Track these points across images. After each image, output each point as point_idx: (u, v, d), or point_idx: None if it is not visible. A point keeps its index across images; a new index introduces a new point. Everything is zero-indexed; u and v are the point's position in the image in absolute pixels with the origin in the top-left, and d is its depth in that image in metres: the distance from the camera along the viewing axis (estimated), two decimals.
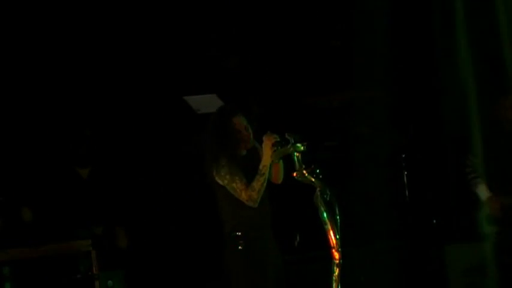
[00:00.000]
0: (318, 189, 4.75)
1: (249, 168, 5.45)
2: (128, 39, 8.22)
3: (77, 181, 7.53)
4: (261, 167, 5.39)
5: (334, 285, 4.73)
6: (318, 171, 4.86)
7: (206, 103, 8.33)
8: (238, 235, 5.48)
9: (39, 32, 7.96)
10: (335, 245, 4.64)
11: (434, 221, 7.97)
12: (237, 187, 5.41)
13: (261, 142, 5.43)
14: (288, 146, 5.14)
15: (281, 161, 5.48)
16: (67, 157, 7.53)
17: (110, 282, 7.09)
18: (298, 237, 8.12)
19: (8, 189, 7.41)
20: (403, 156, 8.13)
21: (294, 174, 5.02)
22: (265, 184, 5.39)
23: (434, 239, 7.86)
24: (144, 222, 8.16)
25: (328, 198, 4.69)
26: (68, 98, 8.22)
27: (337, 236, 4.65)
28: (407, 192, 8.11)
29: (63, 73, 8.18)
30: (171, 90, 8.42)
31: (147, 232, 8.19)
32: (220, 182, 5.47)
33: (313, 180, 4.83)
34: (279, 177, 5.62)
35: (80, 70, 8.22)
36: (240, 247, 5.47)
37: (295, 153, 5.06)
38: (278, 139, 5.29)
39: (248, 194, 5.38)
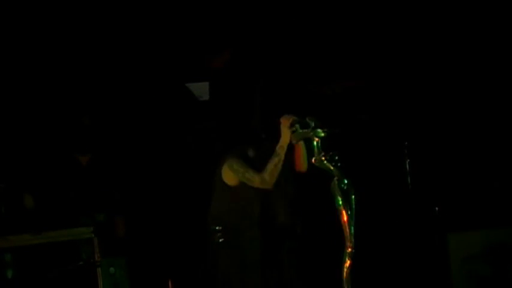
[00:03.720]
0: (335, 178, 4.73)
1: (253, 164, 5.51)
2: (127, 28, 8.19)
3: (76, 168, 7.52)
4: (277, 147, 5.39)
5: (344, 274, 4.73)
6: (336, 158, 4.83)
7: (207, 90, 8.33)
8: (217, 228, 5.53)
9: (39, 22, 7.93)
10: (348, 235, 4.62)
11: (437, 209, 7.96)
12: (249, 175, 5.45)
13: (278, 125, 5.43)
14: (308, 130, 5.07)
15: (303, 146, 5.44)
16: (67, 144, 7.53)
17: (111, 269, 7.09)
18: (300, 225, 8.11)
19: (9, 176, 7.39)
20: (406, 143, 8.12)
21: (313, 160, 4.98)
22: (279, 166, 5.38)
23: (436, 226, 7.86)
24: (145, 209, 8.15)
25: (345, 188, 4.67)
26: (68, 85, 8.20)
27: (352, 227, 4.63)
28: (409, 180, 8.10)
29: (64, 60, 8.15)
30: (172, 77, 8.40)
31: (148, 219, 8.19)
32: (232, 175, 5.54)
33: (331, 168, 4.80)
34: (301, 164, 5.59)
35: (80, 57, 8.19)
36: (220, 240, 5.52)
37: (315, 139, 5.01)
38: (295, 118, 5.27)
39: (260, 176, 5.39)
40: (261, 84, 8.20)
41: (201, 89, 8.36)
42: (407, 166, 8.07)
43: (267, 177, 5.39)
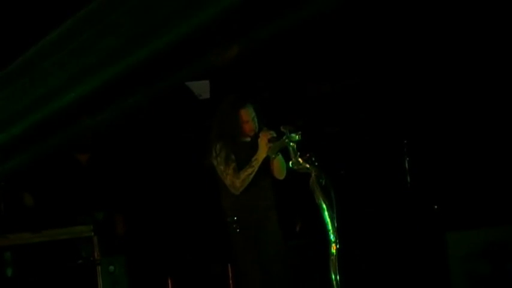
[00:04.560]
0: (313, 174, 4.78)
1: (249, 155, 5.52)
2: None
3: (76, 167, 7.55)
4: (253, 159, 5.53)
5: (331, 266, 4.76)
6: (313, 159, 4.90)
7: (206, 89, 8.34)
8: (235, 219, 5.55)
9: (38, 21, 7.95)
10: (331, 228, 4.67)
11: (436, 207, 7.95)
12: (223, 170, 5.57)
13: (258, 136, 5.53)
14: (283, 138, 5.21)
15: (281, 156, 5.53)
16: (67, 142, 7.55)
17: (111, 267, 7.12)
18: (299, 223, 8.14)
19: (9, 174, 7.42)
20: (405, 142, 8.11)
21: (290, 163, 5.08)
22: (251, 176, 5.53)
23: (435, 225, 7.85)
24: (144, 207, 8.18)
25: (323, 183, 4.72)
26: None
27: (334, 220, 4.67)
28: (408, 179, 8.09)
29: None
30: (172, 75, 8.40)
31: (147, 217, 8.21)
32: (214, 163, 5.53)
33: (308, 166, 4.88)
34: (280, 173, 5.67)
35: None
36: (237, 230, 5.54)
37: (291, 144, 5.12)
38: (274, 135, 5.42)
39: (232, 180, 5.53)
40: (261, 83, 8.24)
41: (200, 88, 8.38)
42: (407, 164, 8.07)
43: (238, 184, 5.54)
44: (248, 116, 5.61)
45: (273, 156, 5.51)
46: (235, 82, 8.15)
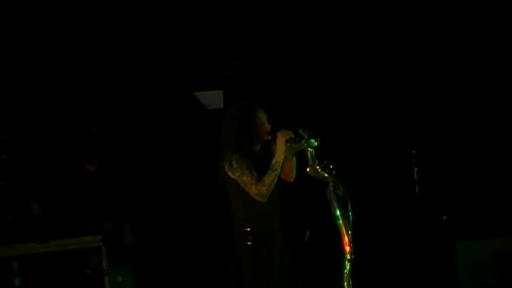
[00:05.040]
0: (330, 184, 4.74)
1: (262, 164, 5.47)
2: (134, 34, 8.21)
3: (84, 176, 7.55)
4: (273, 162, 5.40)
5: (345, 280, 4.73)
6: (331, 166, 4.85)
7: (215, 99, 8.34)
8: (247, 231, 5.50)
9: (44, 29, 7.95)
10: (347, 241, 4.63)
11: (444, 218, 7.96)
12: (247, 180, 5.43)
13: (275, 138, 5.46)
14: (302, 142, 5.15)
15: (294, 159, 5.48)
16: (75, 153, 7.56)
17: (119, 277, 7.10)
18: (308, 233, 8.12)
19: (17, 184, 7.42)
20: (414, 152, 8.12)
21: (308, 169, 5.02)
22: (275, 180, 5.41)
23: (444, 235, 7.85)
24: (152, 217, 8.18)
25: (341, 194, 4.68)
26: (76, 94, 8.24)
27: (349, 232, 4.64)
28: (417, 189, 8.09)
29: (70, 69, 8.19)
30: (179, 86, 8.42)
31: (155, 227, 8.21)
32: (231, 175, 5.49)
33: (326, 175, 4.83)
34: (291, 176, 5.63)
35: (86, 66, 8.22)
36: (248, 242, 5.49)
37: (309, 149, 5.07)
38: (292, 135, 5.32)
39: (258, 188, 5.40)
40: (270, 92, 8.24)
41: (209, 98, 8.38)
42: (415, 175, 8.07)
43: (265, 190, 5.40)
44: (264, 117, 5.57)
45: (290, 157, 5.47)
46: (249, 91, 8.16)
